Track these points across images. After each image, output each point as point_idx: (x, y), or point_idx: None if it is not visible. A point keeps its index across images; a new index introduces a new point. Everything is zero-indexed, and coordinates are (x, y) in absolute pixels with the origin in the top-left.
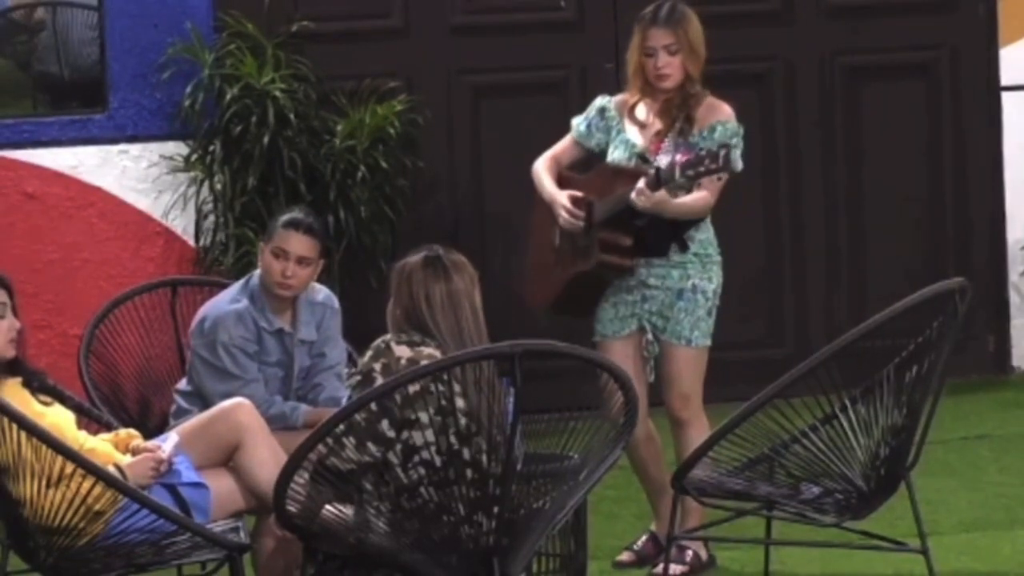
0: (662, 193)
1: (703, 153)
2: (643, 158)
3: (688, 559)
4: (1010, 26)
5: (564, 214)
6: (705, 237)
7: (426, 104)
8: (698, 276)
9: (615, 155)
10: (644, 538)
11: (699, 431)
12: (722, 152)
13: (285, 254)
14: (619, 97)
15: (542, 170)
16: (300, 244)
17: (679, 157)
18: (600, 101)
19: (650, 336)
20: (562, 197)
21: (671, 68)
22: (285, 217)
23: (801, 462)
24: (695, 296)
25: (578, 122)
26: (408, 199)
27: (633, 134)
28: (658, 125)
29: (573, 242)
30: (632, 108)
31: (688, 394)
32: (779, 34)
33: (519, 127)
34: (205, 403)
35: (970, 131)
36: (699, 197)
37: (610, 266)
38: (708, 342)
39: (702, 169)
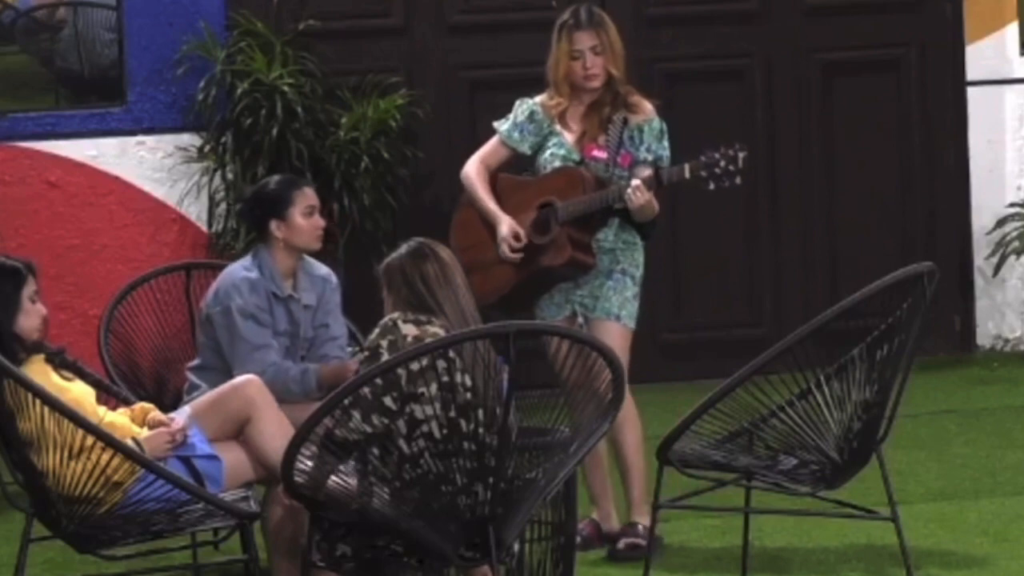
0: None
1: (718, 155)
2: (576, 160)
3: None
4: (975, 24)
5: (506, 248)
6: (626, 225)
7: (425, 98)
8: (627, 262)
9: (546, 156)
10: (585, 523)
11: (626, 408)
12: (741, 155)
13: (313, 208)
14: (541, 99)
15: (475, 178)
16: (314, 195)
17: (620, 158)
18: (526, 105)
19: (580, 320)
20: (505, 226)
21: (598, 68)
22: (285, 180)
23: (778, 435)
24: (624, 278)
25: (507, 128)
26: (408, 187)
27: (566, 137)
28: (584, 127)
29: (528, 242)
30: (563, 114)
31: None
32: (758, 32)
33: None
34: (216, 378)
35: (938, 123)
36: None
37: (579, 263)
38: (633, 325)
39: (718, 171)
